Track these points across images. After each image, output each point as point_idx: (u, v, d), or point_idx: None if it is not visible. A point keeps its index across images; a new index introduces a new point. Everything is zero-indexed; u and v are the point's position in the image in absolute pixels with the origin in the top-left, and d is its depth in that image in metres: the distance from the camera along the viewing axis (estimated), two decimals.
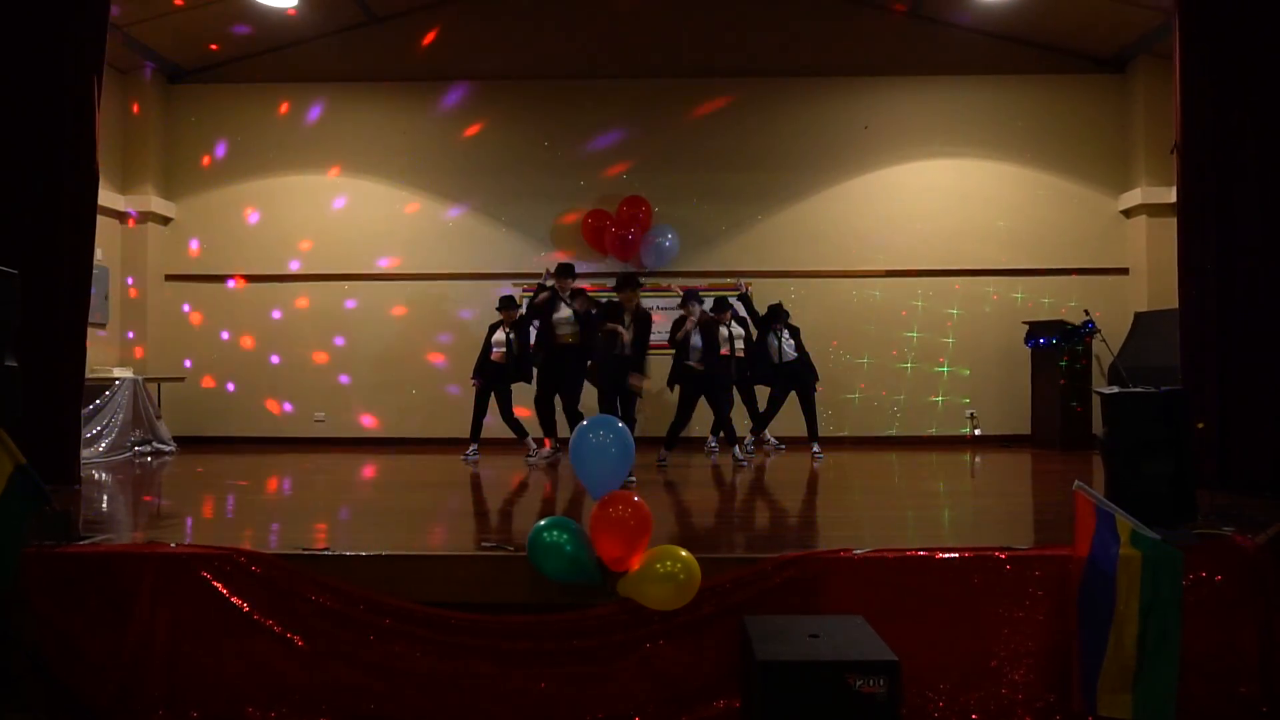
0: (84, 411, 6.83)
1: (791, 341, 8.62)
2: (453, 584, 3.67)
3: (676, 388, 8.01)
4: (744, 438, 9.08)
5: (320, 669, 3.52)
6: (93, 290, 6.39)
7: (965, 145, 10.34)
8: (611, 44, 10.38)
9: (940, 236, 10.30)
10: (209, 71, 10.63)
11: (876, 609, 3.42)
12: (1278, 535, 3.75)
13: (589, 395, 7.59)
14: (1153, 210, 9.80)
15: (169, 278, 10.49)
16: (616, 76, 10.40)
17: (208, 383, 10.44)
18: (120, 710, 3.50)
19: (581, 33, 10.40)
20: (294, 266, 10.49)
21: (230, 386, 10.46)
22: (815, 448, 8.57)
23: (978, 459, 8.60)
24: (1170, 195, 8.33)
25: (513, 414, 8.26)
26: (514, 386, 8.34)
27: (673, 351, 8.23)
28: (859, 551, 3.64)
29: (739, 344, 8.66)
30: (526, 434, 8.24)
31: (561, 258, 9.91)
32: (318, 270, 10.47)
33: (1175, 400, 4.20)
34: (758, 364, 8.70)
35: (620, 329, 7.04)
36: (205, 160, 10.58)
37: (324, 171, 10.53)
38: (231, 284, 10.52)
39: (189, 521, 5.14)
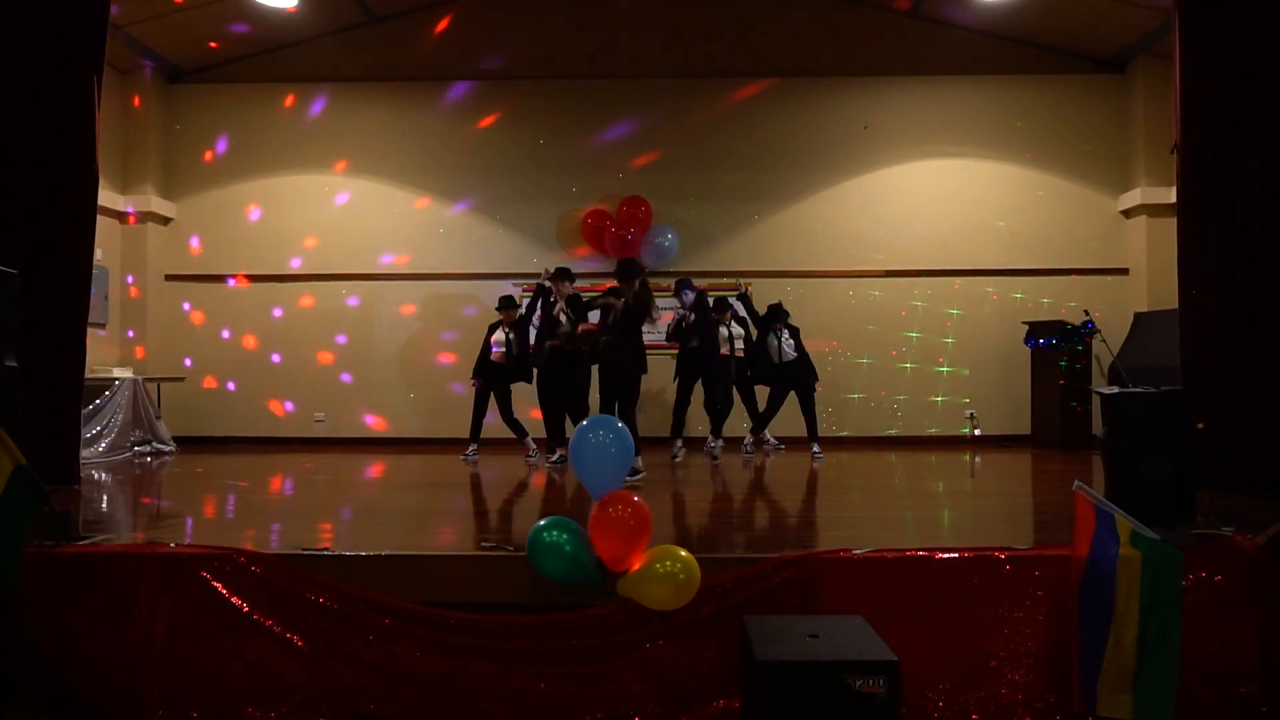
0: (84, 411, 6.83)
1: (791, 341, 8.62)
2: (453, 584, 3.67)
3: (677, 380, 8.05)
4: (743, 438, 9.09)
5: (320, 669, 3.52)
6: (92, 290, 6.40)
7: (965, 145, 10.34)
8: (611, 44, 10.38)
9: (940, 236, 10.30)
10: (209, 71, 10.63)
11: (876, 609, 3.42)
12: (1277, 535, 3.75)
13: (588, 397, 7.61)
14: (1153, 210, 9.80)
15: (169, 278, 10.49)
16: (616, 76, 10.40)
17: (209, 383, 10.44)
18: (120, 710, 3.50)
19: (581, 33, 10.40)
20: (294, 266, 10.49)
21: (230, 386, 10.46)
22: (815, 448, 8.57)
23: (977, 459, 8.60)
24: (1170, 195, 8.33)
25: (513, 414, 8.26)
26: (514, 387, 8.34)
27: (673, 350, 8.26)
28: (859, 551, 3.64)
29: (739, 344, 8.67)
30: (527, 434, 8.24)
31: (563, 257, 9.91)
32: (318, 270, 10.47)
33: (1175, 400, 4.20)
34: (758, 364, 8.71)
35: (614, 303, 6.87)
36: (207, 157, 10.57)
37: (324, 171, 10.53)
38: (232, 282, 10.52)
39: (189, 521, 5.14)
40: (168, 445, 9.17)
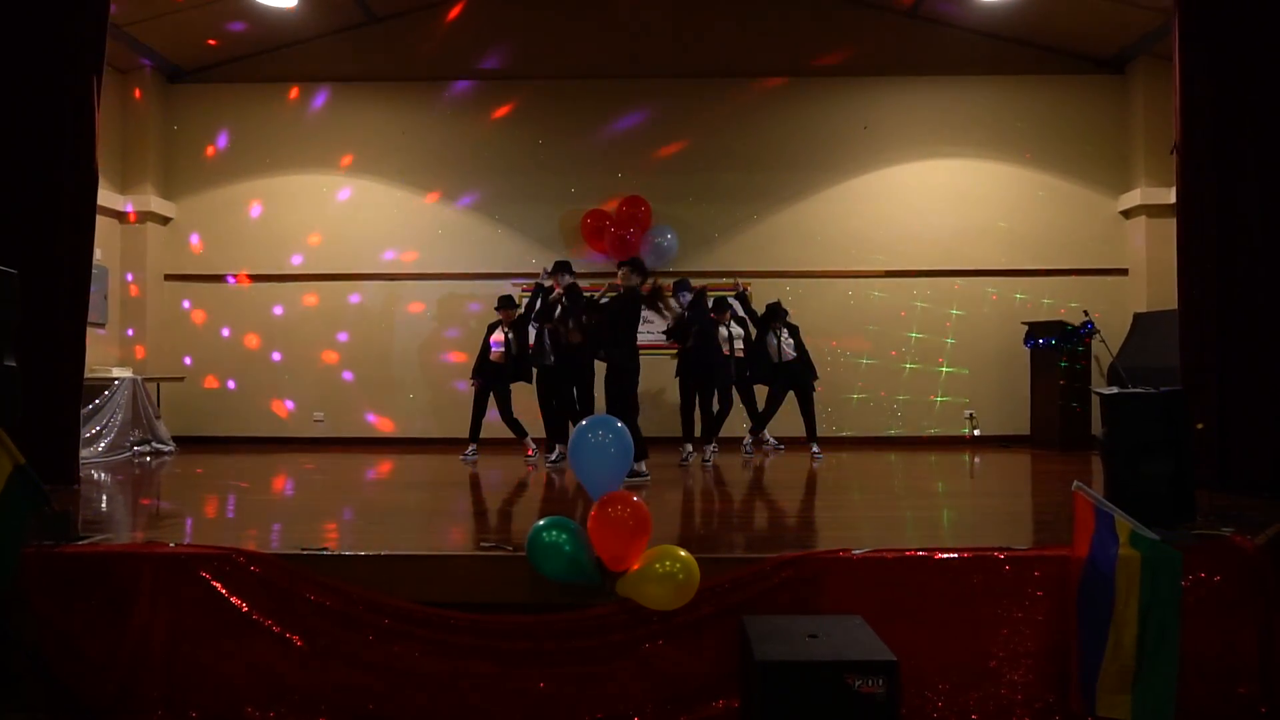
0: (83, 411, 6.83)
1: (791, 340, 8.62)
2: (452, 584, 3.67)
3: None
4: (743, 438, 9.09)
5: (320, 669, 3.52)
6: (92, 289, 6.39)
7: (965, 145, 10.34)
8: (611, 44, 10.38)
9: (940, 237, 10.30)
10: (208, 71, 10.63)
11: (875, 609, 3.42)
12: (1277, 536, 3.75)
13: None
14: (1152, 211, 9.80)
15: (168, 277, 10.50)
16: (616, 77, 10.40)
17: (209, 383, 10.44)
18: (120, 710, 3.50)
19: (581, 33, 10.40)
20: (294, 266, 10.49)
21: (231, 384, 10.46)
22: (814, 448, 8.57)
23: (977, 459, 8.60)
24: (1170, 196, 8.34)
25: (512, 414, 8.26)
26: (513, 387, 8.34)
27: (673, 349, 8.26)
28: (858, 552, 3.64)
29: (739, 344, 8.67)
30: (526, 434, 8.24)
31: (563, 257, 9.90)
32: (318, 269, 10.47)
33: (1174, 401, 4.20)
34: (757, 364, 8.70)
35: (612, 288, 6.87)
36: (207, 156, 10.57)
37: (324, 171, 10.54)
38: (231, 280, 10.52)
39: (189, 521, 5.14)
40: (167, 445, 9.17)
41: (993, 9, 9.69)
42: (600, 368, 7.18)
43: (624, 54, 10.38)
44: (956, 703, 3.47)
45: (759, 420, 8.92)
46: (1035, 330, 9.53)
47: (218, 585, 3.61)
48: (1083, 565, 3.38)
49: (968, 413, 10.22)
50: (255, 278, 10.51)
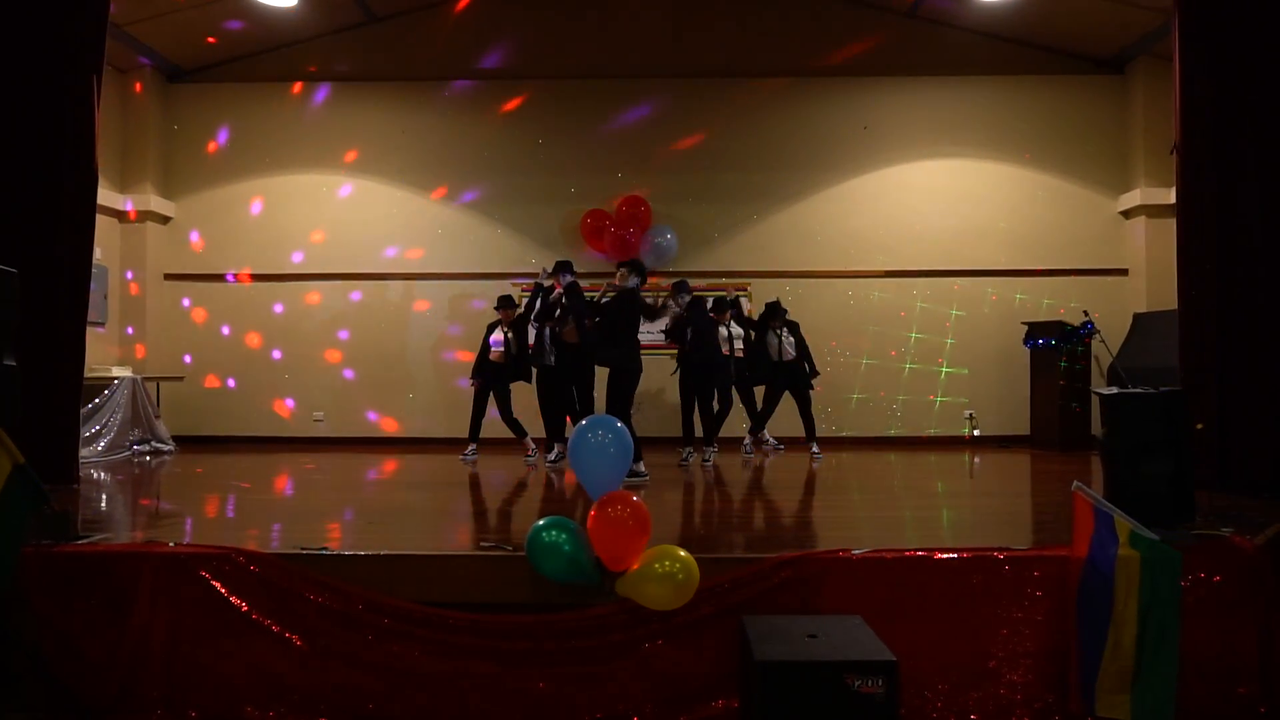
0: (82, 410, 6.82)
1: (791, 340, 8.61)
2: (452, 584, 3.67)
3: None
4: (742, 438, 9.09)
5: (319, 669, 3.52)
6: (91, 289, 6.39)
7: (965, 145, 10.34)
8: (611, 44, 10.38)
9: (940, 237, 10.30)
10: (208, 70, 10.63)
11: (875, 609, 3.43)
12: (1277, 536, 3.75)
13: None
14: (1152, 211, 9.81)
15: (168, 276, 10.50)
16: (615, 76, 10.40)
17: (210, 382, 10.43)
18: (119, 709, 3.50)
19: (581, 33, 10.40)
20: (293, 265, 10.49)
21: (231, 382, 10.46)
22: (814, 448, 8.58)
23: (977, 459, 8.60)
24: (1169, 196, 8.34)
25: (512, 414, 8.26)
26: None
27: (672, 349, 8.26)
28: (857, 552, 3.64)
29: (739, 344, 8.66)
30: (526, 433, 8.24)
31: (562, 257, 9.89)
32: (317, 269, 10.47)
33: (1174, 401, 4.21)
34: (757, 364, 8.69)
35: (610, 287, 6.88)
36: (207, 155, 10.57)
37: (324, 170, 10.54)
38: (231, 279, 10.52)
39: (188, 521, 5.14)
40: (167, 444, 9.17)
41: (993, 9, 9.69)
42: (601, 368, 7.18)
43: (624, 54, 10.38)
44: (956, 703, 3.47)
45: (758, 420, 8.92)
46: (1035, 330, 9.53)
47: (217, 585, 3.61)
48: (1082, 565, 3.38)
49: (967, 413, 10.22)
50: (256, 277, 10.51)
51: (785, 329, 8.62)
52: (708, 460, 7.84)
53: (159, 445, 9.06)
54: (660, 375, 8.98)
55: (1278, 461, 5.33)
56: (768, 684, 2.89)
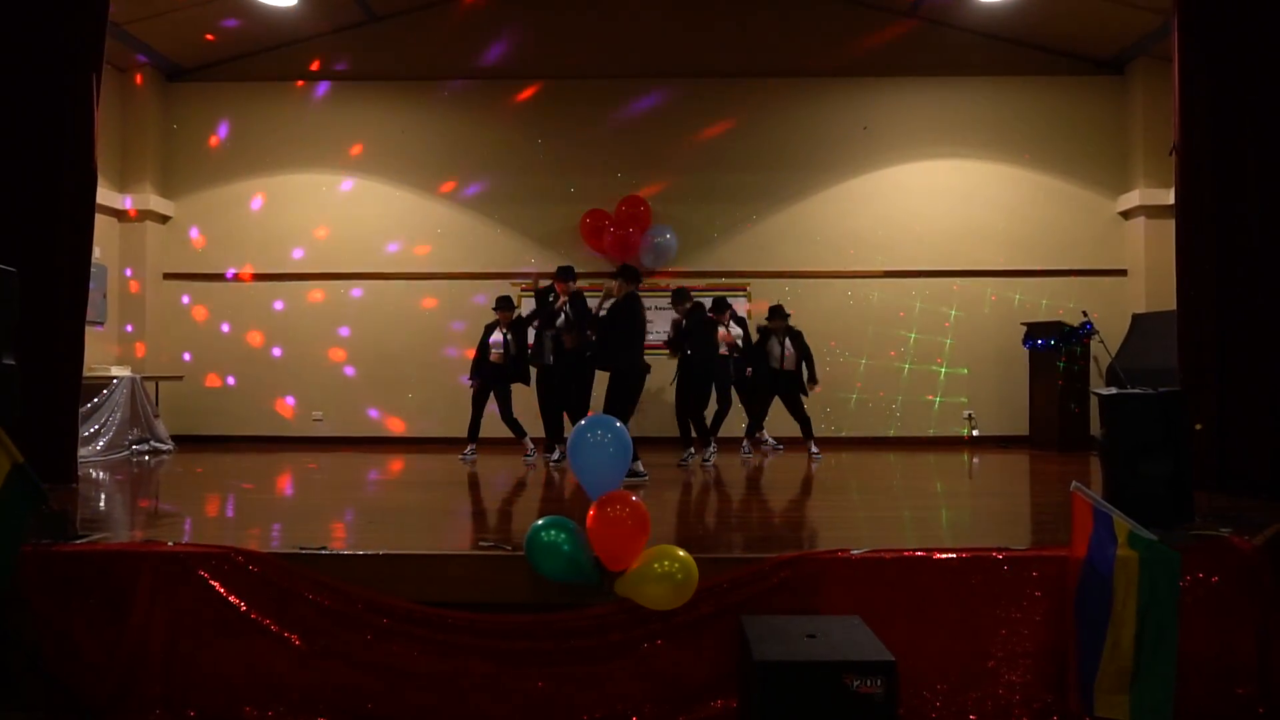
0: (81, 410, 6.83)
1: (792, 351, 8.50)
2: (451, 584, 3.67)
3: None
4: (741, 439, 9.09)
5: (318, 668, 3.52)
6: (91, 288, 6.39)
7: (965, 146, 10.34)
8: (610, 44, 10.37)
9: (939, 237, 10.30)
10: (207, 69, 10.62)
11: (874, 609, 3.43)
12: (1275, 537, 3.76)
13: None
14: (1151, 212, 9.81)
15: (167, 275, 10.49)
16: (615, 76, 10.40)
17: (210, 381, 10.42)
18: (118, 709, 3.50)
19: (581, 33, 10.39)
20: (293, 264, 10.48)
21: (230, 381, 10.45)
22: (813, 448, 8.56)
23: (975, 460, 8.60)
24: (1168, 197, 8.34)
25: (512, 414, 8.26)
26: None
27: (672, 353, 8.27)
28: (856, 552, 3.64)
29: (738, 343, 8.65)
30: (525, 433, 8.23)
31: (562, 257, 9.91)
32: (318, 267, 10.47)
33: (1173, 402, 4.21)
34: (757, 366, 8.64)
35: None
36: (206, 153, 10.57)
37: (323, 169, 10.53)
38: (231, 276, 10.51)
39: (187, 521, 5.14)
40: (166, 444, 9.16)
41: (993, 9, 9.69)
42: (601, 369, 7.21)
43: (624, 54, 10.37)
44: (954, 703, 3.47)
45: (755, 420, 8.91)
46: (1034, 331, 9.53)
47: (216, 584, 3.61)
48: (1081, 566, 3.38)
49: (966, 413, 10.22)
50: (256, 275, 10.50)
51: (788, 337, 8.56)
52: (708, 460, 7.84)
53: (158, 445, 9.06)
54: (660, 375, 8.97)
55: (1277, 462, 5.33)
56: (767, 684, 2.90)
